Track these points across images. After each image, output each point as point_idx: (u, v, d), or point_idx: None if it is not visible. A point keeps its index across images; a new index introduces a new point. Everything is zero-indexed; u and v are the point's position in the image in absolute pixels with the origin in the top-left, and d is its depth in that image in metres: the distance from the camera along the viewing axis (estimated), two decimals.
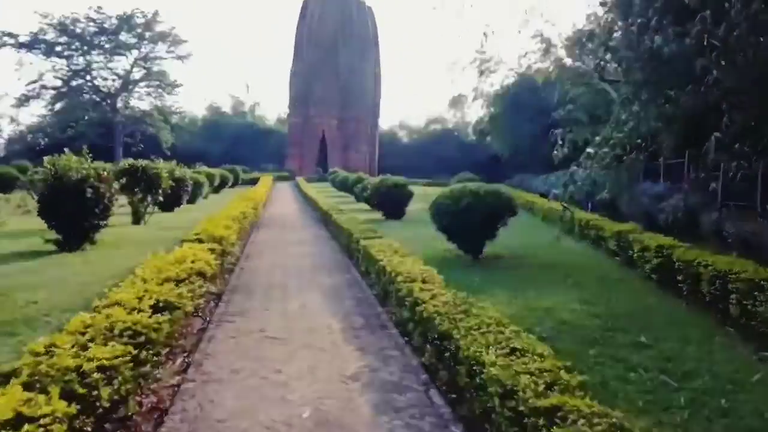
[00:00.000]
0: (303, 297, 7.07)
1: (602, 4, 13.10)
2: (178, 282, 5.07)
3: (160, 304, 4.32)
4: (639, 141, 8.30)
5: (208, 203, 25.10)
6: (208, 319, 5.97)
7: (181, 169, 21.35)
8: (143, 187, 15.88)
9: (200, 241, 7.94)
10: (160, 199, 16.91)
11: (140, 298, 4.23)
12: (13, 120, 75.56)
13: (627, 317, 6.61)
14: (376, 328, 5.67)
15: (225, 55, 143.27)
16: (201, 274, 5.83)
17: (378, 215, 20.51)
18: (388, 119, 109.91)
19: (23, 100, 66.03)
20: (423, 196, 23.84)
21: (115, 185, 11.73)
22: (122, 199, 16.62)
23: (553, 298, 7.57)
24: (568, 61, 42.44)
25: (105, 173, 11.39)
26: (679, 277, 7.80)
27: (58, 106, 67.82)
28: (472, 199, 10.58)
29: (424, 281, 5.61)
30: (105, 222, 11.40)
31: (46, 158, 10.94)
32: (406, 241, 13.11)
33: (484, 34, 43.39)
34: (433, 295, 4.89)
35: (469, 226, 10.59)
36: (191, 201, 24.61)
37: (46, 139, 69.18)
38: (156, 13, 67.29)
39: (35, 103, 68.01)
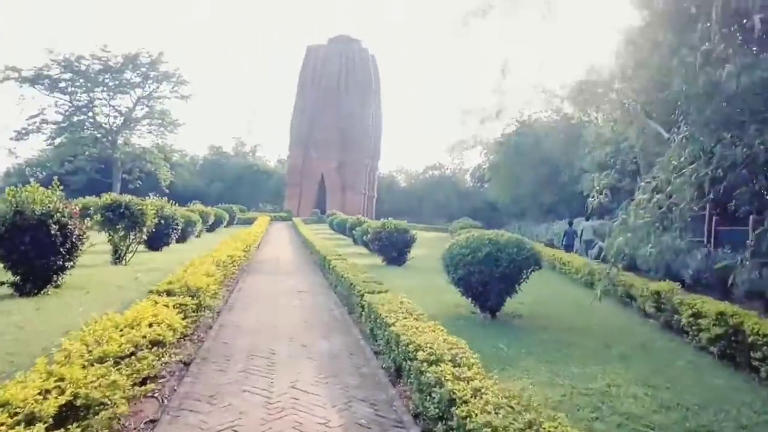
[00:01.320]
0: (293, 371, 5.59)
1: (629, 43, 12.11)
2: (119, 360, 3.65)
3: (77, 401, 2.89)
4: (701, 187, 7.00)
5: (200, 242, 23.70)
6: (164, 401, 4.50)
7: (171, 207, 20.06)
8: (126, 224, 14.51)
9: (169, 293, 6.55)
10: (144, 237, 15.51)
11: (45, 392, 2.81)
12: (11, 153, 74.99)
13: (705, 409, 5.16)
14: (389, 426, 4.20)
15: (228, 96, 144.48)
16: (156, 343, 4.41)
17: (378, 260, 19.13)
18: (387, 164, 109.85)
19: (23, 134, 65.44)
20: (422, 241, 22.52)
21: (88, 222, 10.33)
22: (103, 237, 15.32)
23: (603, 376, 6.12)
24: (570, 111, 42.07)
25: (73, 207, 10.04)
26: (756, 354, 6.37)
27: (57, 140, 67.24)
28: (491, 249, 9.23)
29: (454, 363, 4.19)
30: (71, 263, 9.96)
31: (7, 189, 9.62)
32: (411, 292, 11.68)
33: (502, 71, 42.76)
34: (475, 391, 3.47)
35: (488, 279, 9.20)
36: (182, 240, 23.25)
37: (44, 173, 68.46)
38: (161, 54, 67.50)
39: (35, 137, 67.30)
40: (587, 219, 28.40)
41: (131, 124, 69.69)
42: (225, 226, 36.76)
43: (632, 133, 13.97)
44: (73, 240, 9.76)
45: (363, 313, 7.60)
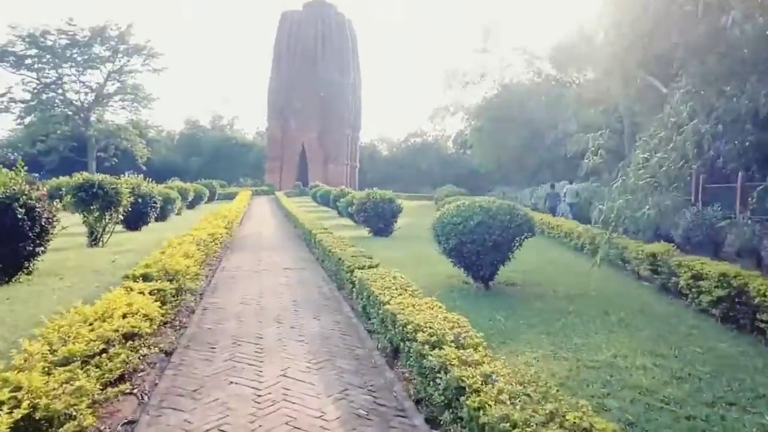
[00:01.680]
0: (283, 357, 5.22)
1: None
2: (87, 360, 3.25)
3: (37, 414, 2.50)
4: (700, 144, 6.68)
5: (180, 220, 23.07)
6: (144, 398, 4.12)
7: (148, 185, 19.37)
8: (100, 204, 13.90)
9: (146, 278, 6.12)
10: (120, 217, 14.91)
11: None
12: None
13: (717, 378, 4.93)
14: (391, 416, 3.87)
15: (203, 68, 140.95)
16: (131, 336, 4.01)
17: (364, 232, 18.80)
18: (368, 133, 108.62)
19: None
20: (407, 210, 22.17)
21: (57, 204, 9.77)
22: (78, 218, 14.71)
23: (607, 346, 5.87)
24: (552, 72, 41.53)
25: (39, 189, 9.47)
26: (762, 317, 6.17)
27: (27, 119, 65.12)
28: (483, 218, 8.90)
29: (458, 344, 3.86)
30: (42, 248, 9.43)
31: None
32: (401, 264, 11.38)
33: (484, 32, 41.97)
34: (485, 377, 3.13)
35: (480, 248, 8.90)
36: (162, 218, 22.61)
37: (15, 154, 66.48)
38: (130, 26, 65.09)
39: (3, 117, 65.11)
40: (571, 182, 28.31)
41: (103, 100, 67.63)
42: (206, 203, 36.03)
43: (626, 90, 13.58)
44: (42, 223, 9.21)
45: (354, 289, 7.25)
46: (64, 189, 14.39)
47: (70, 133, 63.81)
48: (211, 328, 6.24)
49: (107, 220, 14.34)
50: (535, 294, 8.93)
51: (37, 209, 9.13)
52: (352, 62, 65.91)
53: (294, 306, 7.48)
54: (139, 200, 18.50)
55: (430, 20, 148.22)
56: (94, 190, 13.71)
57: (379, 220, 18.61)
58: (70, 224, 16.88)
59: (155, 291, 5.48)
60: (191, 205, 31.82)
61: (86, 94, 66.53)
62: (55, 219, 9.62)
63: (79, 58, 64.29)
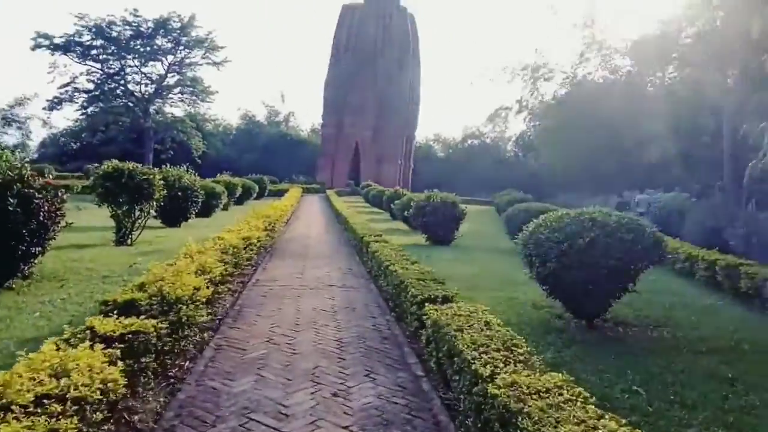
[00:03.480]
0: None
1: None
2: None
3: None
4: None
5: (225, 217, 21.53)
6: None
7: (190, 177, 17.89)
8: (130, 196, 12.33)
9: (131, 308, 4.21)
10: (152, 212, 13.33)
11: None
12: (45, 123, 74.73)
13: None
14: None
15: (261, 63, 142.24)
16: None
17: (421, 239, 16.66)
18: (423, 132, 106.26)
19: (56, 103, 64.54)
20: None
21: (65, 195, 8.10)
22: (102, 211, 13.23)
23: None
24: (631, 69, 38.06)
25: (46, 177, 7.82)
26: None
27: (90, 110, 66.44)
28: (598, 235, 6.60)
29: None
30: (40, 248, 7.76)
31: None
32: (473, 286, 9.22)
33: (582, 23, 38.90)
34: None
35: (591, 277, 6.60)
36: (205, 214, 21.17)
37: (78, 144, 67.95)
38: (192, 17, 65.36)
39: (68, 106, 66.54)
40: (640, 191, 25.33)
41: (163, 92, 68.32)
42: (254, 198, 34.73)
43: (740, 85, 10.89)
44: (41, 218, 7.52)
45: (423, 332, 5.11)
46: (91, 178, 12.92)
47: (130, 124, 64.67)
48: (215, 389, 4.23)
49: (137, 215, 12.76)
50: (662, 342, 6.55)
51: (36, 201, 7.45)
52: (412, 58, 63.76)
53: (339, 350, 5.40)
54: (179, 194, 17.05)
55: (494, 13, 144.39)
56: (123, 180, 12.14)
57: (439, 227, 16.43)
58: (99, 218, 15.67)
59: (129, 342, 3.53)
60: (239, 201, 30.51)
61: (147, 85, 67.39)
62: (58, 213, 7.94)
63: (142, 50, 65.08)
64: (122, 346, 3.53)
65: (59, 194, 7.92)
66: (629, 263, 6.69)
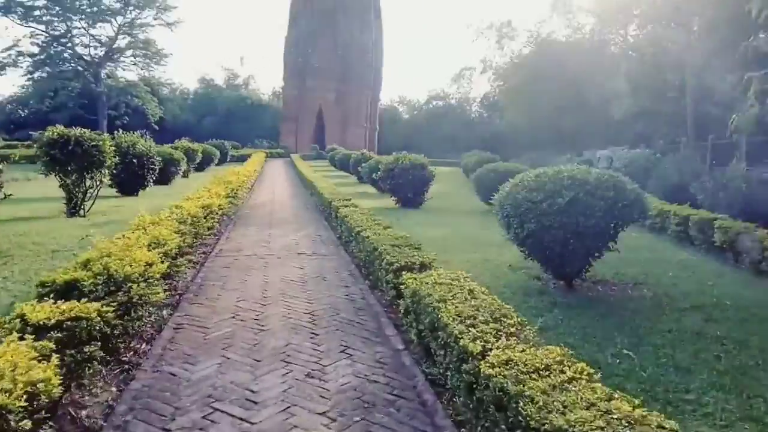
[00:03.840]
0: None
1: None
2: None
3: None
4: None
5: (185, 184, 20.67)
6: None
7: (145, 143, 16.96)
8: (79, 164, 11.49)
9: (72, 289, 3.71)
10: (105, 180, 12.51)
11: None
12: None
13: None
14: None
15: (219, 24, 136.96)
16: None
17: (390, 202, 16.30)
18: (386, 94, 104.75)
19: None
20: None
21: (2, 165, 7.36)
22: (54, 181, 12.35)
23: None
24: (594, 28, 37.83)
25: None
26: None
27: (36, 75, 63.03)
28: (578, 193, 6.31)
29: None
30: None
31: None
32: (446, 248, 8.93)
33: None
34: None
35: (570, 236, 6.34)
36: (164, 182, 20.27)
37: (26, 111, 64.55)
38: None
39: (12, 71, 62.95)
40: (604, 148, 25.47)
41: (114, 55, 65.16)
42: (216, 165, 33.64)
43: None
44: None
45: (403, 303, 4.75)
46: (35, 145, 12.00)
47: (80, 89, 61.61)
48: (175, 375, 3.80)
49: (88, 184, 11.95)
50: (644, 301, 6.38)
51: None
52: (374, 18, 62.19)
53: (311, 325, 5.00)
54: (134, 161, 16.16)
55: None
56: (71, 147, 11.27)
57: (409, 189, 16.06)
58: (49, 189, 14.73)
59: (68, 330, 3.05)
60: (200, 168, 29.48)
61: (96, 48, 64.17)
62: None
63: (88, 10, 61.61)
64: (60, 335, 3.05)
65: None
66: (610, 221, 6.44)
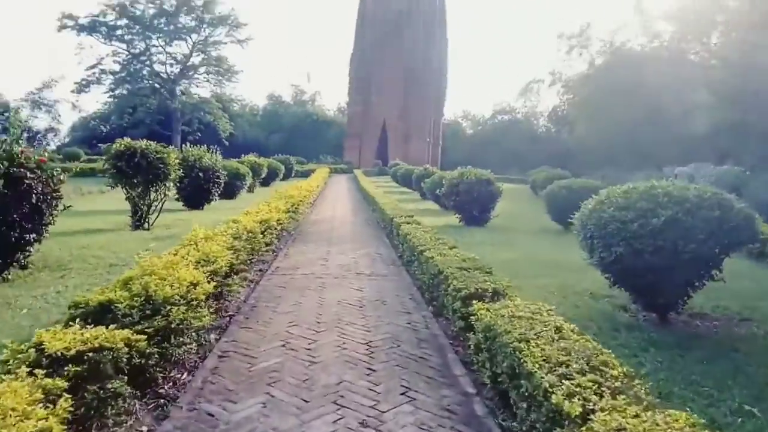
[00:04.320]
0: None
1: None
2: None
3: None
4: None
5: (250, 199, 20.77)
6: None
7: (211, 157, 17.12)
8: (144, 177, 11.56)
9: (105, 311, 3.34)
10: (169, 194, 12.54)
11: None
12: (74, 106, 75.44)
13: None
14: None
15: (287, 42, 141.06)
16: None
17: (454, 219, 15.60)
18: (450, 109, 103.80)
19: (83, 85, 65.06)
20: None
21: (63, 176, 7.30)
22: (118, 193, 12.50)
23: None
24: (672, 35, 35.74)
25: (39, 154, 7.01)
26: None
27: (117, 91, 66.74)
28: (677, 212, 5.47)
29: None
30: (35, 234, 6.98)
31: None
32: (517, 272, 8.17)
33: None
34: None
35: (667, 263, 5.50)
36: (229, 196, 20.48)
37: (107, 127, 68.31)
38: None
39: (95, 88, 67.01)
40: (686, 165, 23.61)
41: (188, 72, 68.19)
42: (281, 180, 33.99)
43: None
44: (35, 201, 6.73)
45: (473, 339, 4.11)
46: (103, 158, 12.21)
47: (157, 105, 64.70)
48: (212, 417, 3.32)
49: (153, 197, 12.00)
50: (756, 341, 5.44)
51: (27, 181, 6.66)
52: (440, 31, 61.86)
53: (368, 357, 4.44)
54: (200, 175, 16.30)
55: None
56: (136, 159, 11.35)
57: (474, 206, 15.30)
58: (119, 202, 15.01)
59: (89, 363, 2.64)
60: (265, 183, 29.80)
61: (172, 65, 67.42)
62: (54, 195, 7.14)
63: (165, 29, 64.89)
64: (79, 368, 2.64)
65: (55, 174, 7.10)
66: (714, 246, 5.56)
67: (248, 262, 6.97)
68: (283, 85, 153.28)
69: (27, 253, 7.10)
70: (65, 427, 2.13)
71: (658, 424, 2.26)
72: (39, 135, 63.78)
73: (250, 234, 7.09)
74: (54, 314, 5.36)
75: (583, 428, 2.32)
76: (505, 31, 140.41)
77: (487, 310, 4.00)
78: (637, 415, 2.36)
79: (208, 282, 4.44)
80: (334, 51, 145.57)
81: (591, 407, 2.45)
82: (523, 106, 73.34)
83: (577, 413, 2.40)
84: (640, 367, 4.46)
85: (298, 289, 6.81)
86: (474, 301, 4.38)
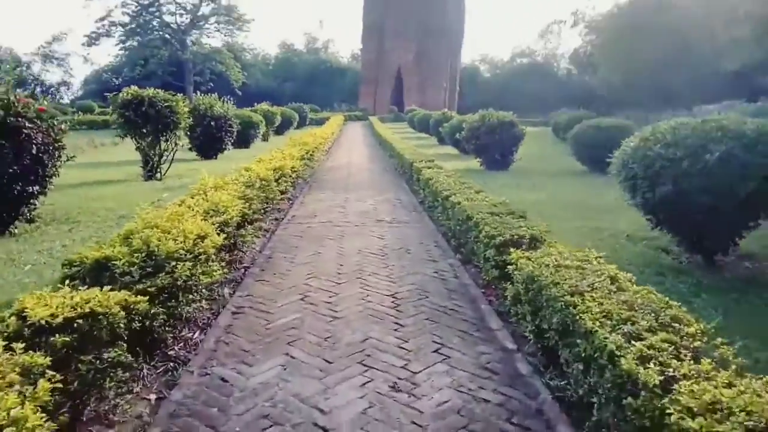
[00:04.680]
0: None
1: None
2: None
3: None
4: None
5: (265, 147, 20.28)
6: None
7: (223, 105, 16.58)
8: (153, 127, 11.13)
9: (107, 268, 2.98)
10: (180, 143, 12.12)
11: None
12: (86, 59, 74.54)
13: None
14: None
15: None
16: None
17: (474, 163, 15.06)
18: (468, 53, 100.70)
19: (93, 38, 63.95)
20: None
21: (64, 126, 6.89)
22: (130, 144, 12.10)
23: None
24: None
25: (37, 103, 6.59)
26: None
27: (128, 44, 65.55)
28: (733, 148, 4.91)
29: None
30: (38, 186, 6.65)
31: None
32: (546, 214, 7.69)
33: None
34: None
35: (719, 202, 4.98)
36: (243, 145, 20.04)
37: (120, 79, 67.51)
38: None
39: (105, 41, 65.81)
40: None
41: (199, 22, 66.50)
42: (295, 128, 33.35)
43: None
44: (36, 153, 6.36)
45: (512, 289, 3.69)
46: (110, 107, 11.78)
47: (168, 57, 63.52)
48: (225, 382, 2.99)
49: (164, 147, 11.60)
50: None
51: (26, 131, 6.26)
52: None
53: (395, 311, 4.08)
54: (212, 123, 15.83)
55: None
56: (144, 108, 10.89)
57: (496, 149, 14.68)
58: (127, 152, 14.66)
59: (79, 332, 2.28)
60: (279, 131, 29.24)
61: (182, 15, 65.69)
62: (56, 146, 6.76)
63: None
64: (68, 338, 2.28)
65: (55, 124, 6.69)
66: None
67: (262, 211, 6.59)
68: (295, 34, 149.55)
69: (32, 206, 6.80)
70: (45, 415, 1.78)
71: (759, 395, 1.83)
72: (52, 89, 63.44)
73: (263, 182, 6.68)
74: (59, 270, 5.07)
75: (665, 400, 1.91)
76: None
77: (528, 258, 3.57)
78: (730, 384, 1.94)
79: (218, 234, 4.06)
80: None
81: (671, 373, 2.04)
82: (544, 48, 70.84)
83: (656, 382, 1.99)
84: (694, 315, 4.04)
85: (316, 239, 6.43)
86: (510, 249, 3.94)
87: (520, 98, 61.06)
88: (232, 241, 4.79)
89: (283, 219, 7.57)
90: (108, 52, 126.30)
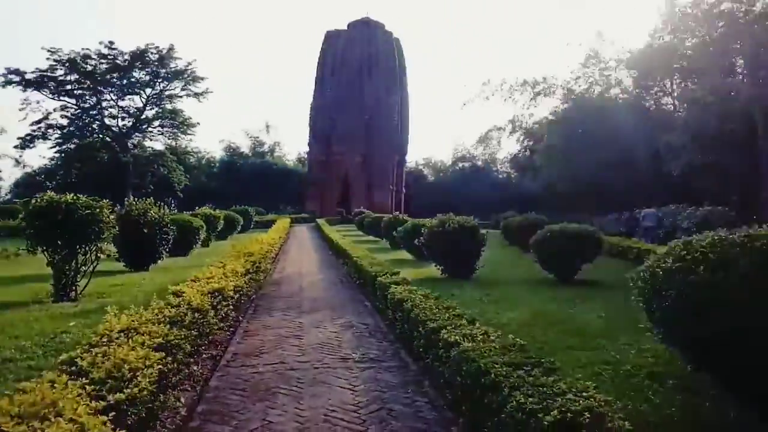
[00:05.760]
0: None
1: None
2: None
3: None
4: None
5: (204, 255, 18.53)
6: None
7: (158, 210, 15.03)
8: (69, 239, 9.43)
9: None
10: (100, 255, 10.37)
11: None
12: (18, 162, 71.49)
13: None
14: None
15: (245, 93, 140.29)
16: None
17: (433, 270, 13.91)
18: (412, 156, 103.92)
19: (28, 141, 61.36)
20: None
21: None
22: (43, 258, 10.25)
23: None
24: (632, 80, 35.97)
25: None
26: None
27: (65, 146, 63.34)
28: None
29: None
30: None
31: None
32: (533, 335, 6.46)
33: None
34: None
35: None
36: (182, 252, 18.29)
37: (54, 183, 64.47)
38: (171, 49, 62.43)
39: (41, 144, 63.29)
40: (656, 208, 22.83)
41: (142, 125, 65.46)
42: (239, 232, 31.73)
43: None
44: None
45: None
46: (21, 216, 10.06)
47: (108, 160, 61.58)
48: None
49: (81, 260, 9.85)
50: None
51: None
52: (400, 81, 61.92)
53: None
54: (145, 231, 14.18)
55: (484, 33, 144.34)
56: (60, 217, 9.24)
57: (459, 256, 13.64)
58: (42, 264, 12.65)
59: None
60: (222, 236, 27.53)
61: (124, 119, 64.57)
62: None
63: (118, 83, 62.33)
64: None
65: None
66: None
67: (192, 354, 4.99)
68: (241, 137, 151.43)
69: None
70: None
71: None
72: None
73: (197, 314, 5.14)
74: None
75: None
76: (467, 78, 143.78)
77: None
78: None
79: (105, 425, 2.51)
80: (292, 102, 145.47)
81: None
82: (483, 153, 73.74)
83: None
84: None
85: (265, 394, 4.81)
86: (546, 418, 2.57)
87: (463, 201, 62.21)
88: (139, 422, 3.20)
89: (220, 359, 5.93)
90: (42, 155, 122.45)
